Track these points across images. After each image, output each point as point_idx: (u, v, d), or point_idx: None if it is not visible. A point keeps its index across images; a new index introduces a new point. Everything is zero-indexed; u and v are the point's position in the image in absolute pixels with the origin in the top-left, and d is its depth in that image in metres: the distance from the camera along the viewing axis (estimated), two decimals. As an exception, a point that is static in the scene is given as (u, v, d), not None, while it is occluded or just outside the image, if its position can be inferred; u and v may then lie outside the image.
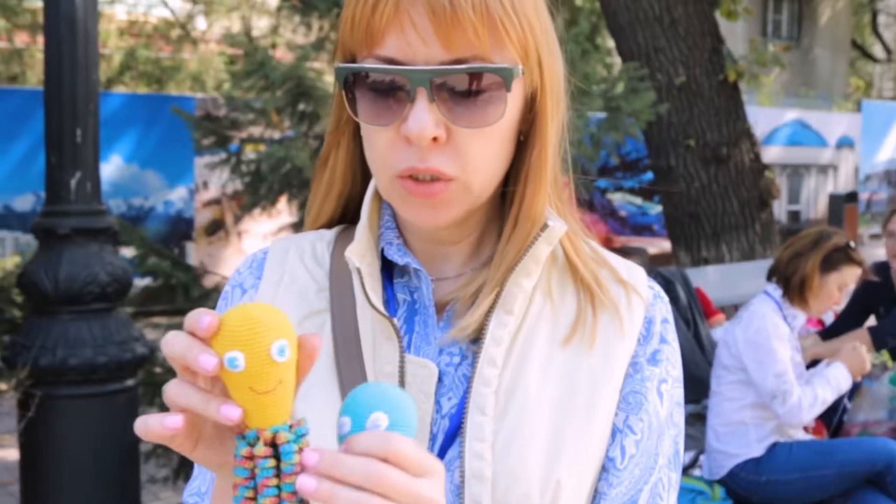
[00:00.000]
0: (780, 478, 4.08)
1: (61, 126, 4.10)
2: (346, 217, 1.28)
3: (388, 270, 1.19)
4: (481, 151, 1.07)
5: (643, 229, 13.67)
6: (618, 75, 5.97)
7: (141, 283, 5.48)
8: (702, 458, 4.51)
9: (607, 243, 13.32)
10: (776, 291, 4.19)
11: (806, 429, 4.43)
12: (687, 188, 7.04)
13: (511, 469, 1.08)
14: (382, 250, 1.18)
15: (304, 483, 0.81)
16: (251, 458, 0.84)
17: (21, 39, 12.33)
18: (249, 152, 5.31)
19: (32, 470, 4.18)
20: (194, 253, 11.13)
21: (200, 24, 14.31)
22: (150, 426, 0.85)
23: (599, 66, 7.98)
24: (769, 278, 4.28)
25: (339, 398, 1.10)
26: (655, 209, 12.79)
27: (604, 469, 1.13)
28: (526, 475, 1.07)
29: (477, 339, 1.13)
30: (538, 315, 1.15)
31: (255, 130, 5.29)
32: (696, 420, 4.70)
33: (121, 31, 14.45)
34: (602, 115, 5.85)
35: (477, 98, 1.04)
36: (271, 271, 1.23)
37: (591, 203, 13.10)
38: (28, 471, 4.20)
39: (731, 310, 5.37)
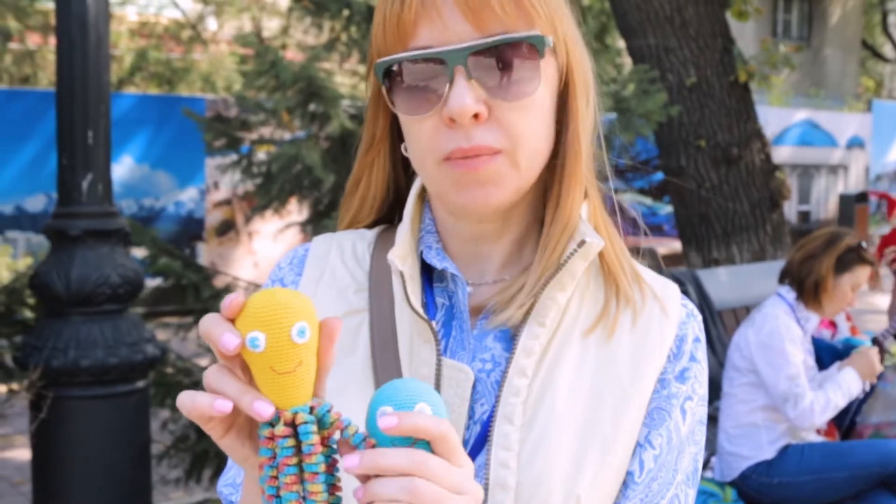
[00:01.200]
0: (792, 480, 4.07)
1: (73, 128, 4.11)
2: (381, 220, 1.30)
3: (428, 274, 1.21)
4: (524, 124, 1.09)
5: (653, 230, 13.58)
6: (628, 76, 5.96)
7: (152, 283, 5.49)
8: (713, 459, 4.49)
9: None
10: (789, 294, 4.17)
11: (818, 431, 4.41)
12: (697, 189, 7.02)
13: (535, 479, 1.08)
14: (421, 253, 1.20)
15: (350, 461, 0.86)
16: (272, 438, 0.86)
17: (33, 41, 12.37)
18: (260, 153, 5.31)
19: (44, 470, 4.19)
20: (205, 253, 11.15)
21: (211, 24, 14.33)
22: (197, 403, 0.87)
23: (609, 66, 7.97)
24: (781, 280, 4.27)
25: None
26: (665, 209, 12.77)
27: (623, 482, 1.14)
28: (549, 486, 1.08)
29: (509, 347, 1.14)
30: (574, 320, 1.17)
31: (266, 131, 5.29)
32: (708, 422, 4.68)
33: (132, 33, 14.47)
34: (612, 115, 5.84)
35: (513, 70, 1.07)
36: (312, 268, 1.25)
37: (618, 208, 13.06)
38: (40, 471, 4.21)
39: (742, 311, 5.35)
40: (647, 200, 13.73)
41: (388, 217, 1.29)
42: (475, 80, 1.06)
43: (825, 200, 17.69)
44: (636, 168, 12.88)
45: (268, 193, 5.17)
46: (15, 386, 4.14)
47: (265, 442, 0.87)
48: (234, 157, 5.45)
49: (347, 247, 1.26)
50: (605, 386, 1.14)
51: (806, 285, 4.11)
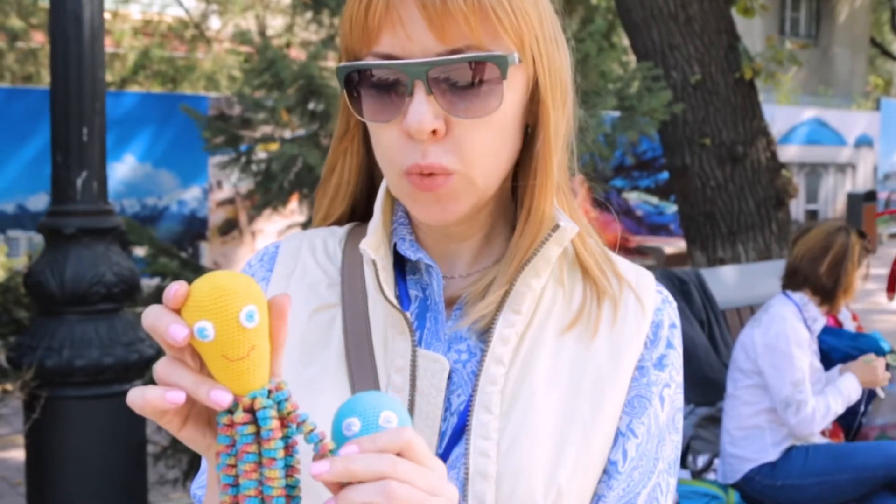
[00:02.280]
0: (796, 482, 4.02)
1: (68, 125, 4.07)
2: (354, 216, 1.29)
3: (401, 267, 1.20)
4: (482, 142, 1.07)
5: (659, 229, 13.60)
6: (632, 74, 5.91)
7: (154, 283, 5.46)
8: (716, 461, 4.44)
9: (623, 243, 13.30)
10: (795, 294, 4.12)
11: (823, 432, 4.36)
12: (702, 187, 6.97)
13: (515, 467, 1.08)
14: (395, 246, 1.19)
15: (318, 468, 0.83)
16: (231, 425, 0.84)
17: (36, 39, 12.36)
18: (262, 152, 5.27)
19: (38, 471, 4.15)
20: (208, 253, 11.12)
21: (215, 23, 14.32)
22: (148, 397, 0.84)
23: (615, 65, 7.93)
24: (789, 287, 4.18)
25: (349, 390, 1.11)
26: (671, 209, 12.72)
27: (605, 471, 1.13)
28: (530, 474, 1.08)
29: (485, 337, 1.13)
30: (549, 309, 1.16)
31: (268, 130, 5.26)
32: (710, 423, 4.63)
33: (135, 31, 14.47)
34: (616, 114, 5.80)
35: (474, 88, 1.05)
36: (283, 265, 1.24)
37: (606, 202, 13.04)
38: (34, 472, 4.18)
39: (747, 311, 5.30)
40: (654, 199, 13.68)
41: (362, 209, 1.28)
42: (435, 95, 1.04)
43: (833, 199, 17.63)
44: (642, 166, 12.85)
45: (268, 192, 5.14)
46: (8, 386, 4.09)
47: (224, 429, 0.85)
48: (233, 154, 5.42)
49: (318, 243, 1.25)
50: (583, 373, 1.13)
51: (836, 294, 4.07)
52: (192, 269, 5.27)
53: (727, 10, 7.10)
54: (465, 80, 1.05)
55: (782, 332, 3.99)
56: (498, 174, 1.11)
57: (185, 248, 10.80)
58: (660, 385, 1.17)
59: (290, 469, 0.86)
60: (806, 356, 4.00)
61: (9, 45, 12.06)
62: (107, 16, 13.75)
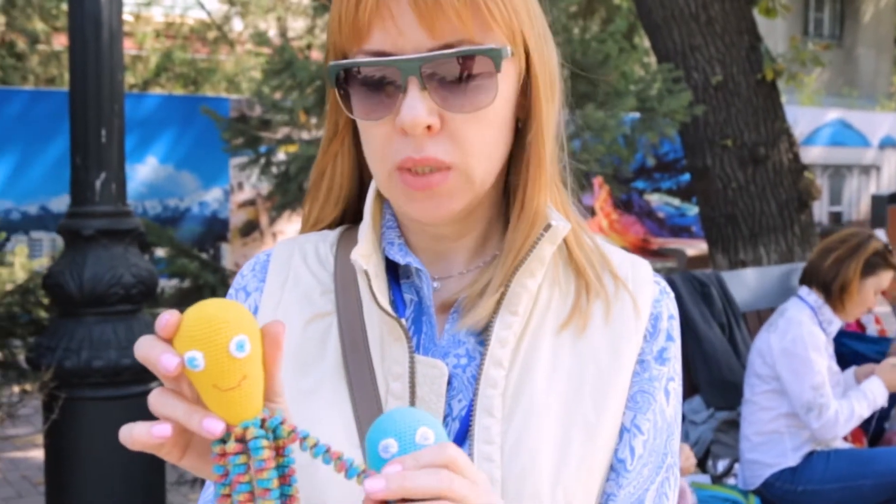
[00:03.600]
0: (817, 488, 3.98)
1: (86, 127, 4.08)
2: (345, 218, 1.28)
3: (394, 271, 1.19)
4: (478, 137, 1.06)
5: (681, 231, 13.54)
6: (652, 76, 5.88)
7: (176, 284, 5.47)
8: (736, 466, 4.41)
9: (644, 244, 13.25)
10: (810, 296, 4.08)
11: (845, 437, 4.31)
12: (723, 189, 6.92)
13: (520, 471, 1.07)
14: (384, 250, 1.17)
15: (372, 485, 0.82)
16: (224, 455, 0.84)
17: (59, 42, 12.43)
18: (281, 153, 5.28)
19: (57, 471, 4.16)
20: (229, 254, 11.14)
21: (237, 25, 14.35)
22: (135, 435, 0.84)
23: (637, 66, 7.90)
24: (802, 282, 4.18)
25: (348, 399, 1.10)
26: (694, 210, 12.66)
27: (613, 470, 1.13)
28: (535, 476, 1.07)
29: (483, 340, 1.12)
30: (545, 309, 1.15)
31: (288, 131, 5.26)
32: (731, 427, 4.60)
33: (157, 33, 14.53)
34: (636, 115, 5.77)
35: (468, 83, 1.05)
36: (275, 274, 1.22)
37: (628, 204, 13.00)
38: (53, 472, 4.19)
39: (768, 313, 5.26)
40: (676, 201, 13.62)
41: (354, 212, 1.26)
42: (429, 91, 1.03)
43: (857, 201, 17.49)
44: (664, 168, 12.80)
45: (286, 193, 5.14)
46: (28, 386, 4.11)
47: (217, 459, 0.84)
48: (252, 156, 5.43)
49: (310, 249, 1.24)
50: (583, 371, 1.12)
51: (833, 288, 4.03)
52: (212, 271, 5.28)
53: (749, 10, 7.05)
54: (458, 75, 1.04)
55: (799, 336, 3.96)
56: (493, 169, 1.11)
57: (206, 249, 10.83)
58: (663, 379, 1.16)
59: (287, 499, 0.86)
60: (824, 359, 3.96)
61: (31, 47, 12.14)
62: (129, 18, 13.83)
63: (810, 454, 4.05)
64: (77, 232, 4.09)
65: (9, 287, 4.31)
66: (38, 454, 6.06)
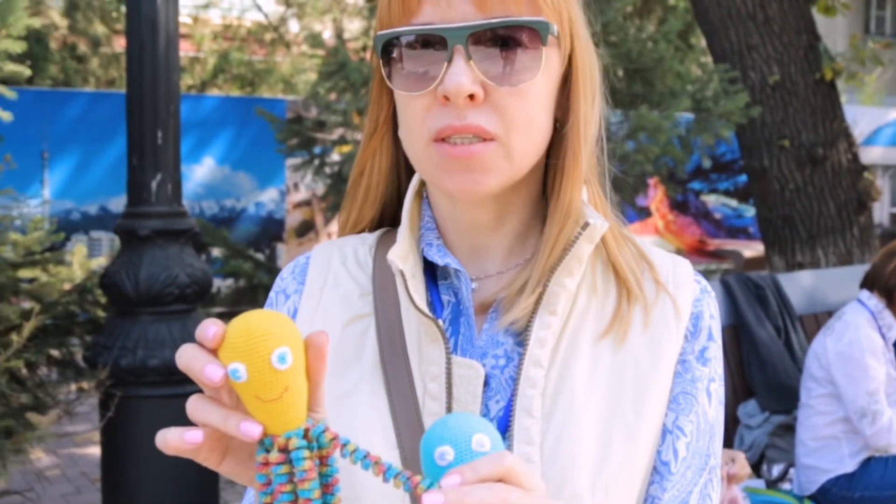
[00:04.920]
0: (875, 494, 3.92)
1: (142, 128, 4.13)
2: (383, 221, 1.28)
3: (432, 272, 1.19)
4: (520, 111, 1.06)
5: (738, 232, 13.40)
6: (708, 76, 5.83)
7: (233, 284, 5.52)
8: (792, 471, 4.35)
9: (701, 246, 13.13)
10: (870, 300, 4.01)
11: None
12: (781, 190, 6.83)
13: (560, 471, 1.06)
14: (423, 251, 1.17)
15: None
16: (266, 463, 0.85)
17: (119, 44, 12.60)
18: (336, 154, 5.31)
19: (113, 468, 4.22)
20: (285, 254, 11.22)
21: (293, 27, 14.44)
22: (169, 440, 0.85)
23: (693, 66, 7.82)
24: (863, 285, 4.11)
25: (386, 400, 1.10)
26: (751, 211, 12.52)
27: (656, 472, 1.12)
28: (575, 476, 1.06)
29: (521, 340, 1.11)
30: (584, 313, 1.14)
31: (342, 132, 5.29)
32: (786, 431, 4.53)
33: (215, 35, 14.68)
34: (691, 116, 5.72)
35: (513, 55, 1.05)
36: (314, 276, 1.23)
37: (684, 205, 12.89)
38: (109, 469, 4.25)
39: (825, 317, 5.18)
40: (733, 202, 13.48)
41: (391, 215, 1.27)
42: (474, 61, 1.03)
43: (919, 202, 17.18)
44: (721, 169, 12.66)
45: (340, 194, 5.17)
46: (85, 384, 4.17)
47: (260, 468, 0.85)
48: (307, 157, 5.46)
49: (349, 252, 1.24)
50: (623, 374, 1.11)
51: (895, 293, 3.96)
52: (266, 271, 5.33)
53: (807, 9, 6.96)
54: (504, 47, 1.04)
55: (855, 340, 3.89)
56: (531, 150, 1.10)
57: (262, 249, 10.92)
58: (705, 380, 1.15)
59: None
60: (881, 365, 3.89)
61: (93, 50, 12.32)
62: (187, 20, 13.99)
63: (868, 460, 3.98)
64: (133, 232, 4.14)
65: (67, 286, 4.37)
66: (96, 451, 6.16)
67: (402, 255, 1.12)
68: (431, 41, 1.04)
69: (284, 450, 0.84)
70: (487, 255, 1.18)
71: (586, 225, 1.10)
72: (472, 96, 1.03)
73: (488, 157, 1.05)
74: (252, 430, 0.83)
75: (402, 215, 1.17)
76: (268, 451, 0.85)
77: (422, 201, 1.21)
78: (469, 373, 1.09)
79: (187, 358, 0.83)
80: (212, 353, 0.83)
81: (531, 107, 1.07)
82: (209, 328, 0.82)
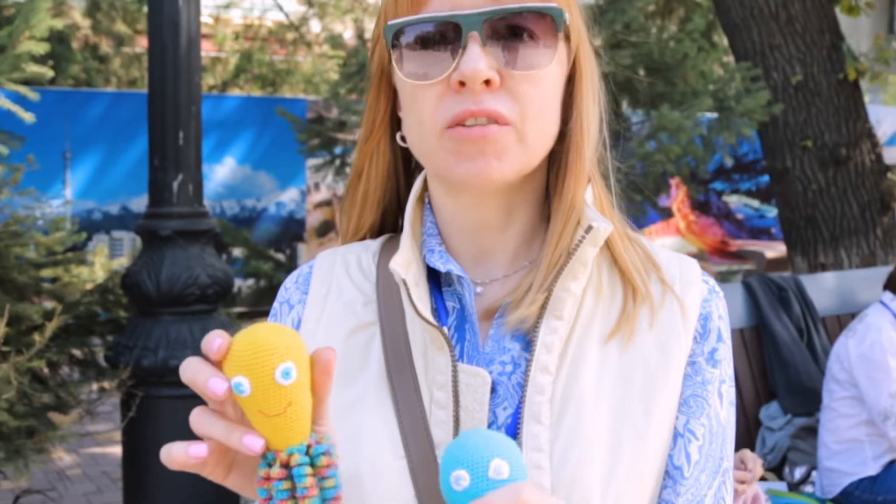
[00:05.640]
0: (898, 497, 3.89)
1: (164, 129, 4.15)
2: (384, 227, 1.27)
3: (436, 278, 1.18)
4: (535, 97, 1.06)
5: (760, 232, 13.34)
6: (730, 74, 5.80)
7: (253, 284, 5.54)
8: (814, 474, 4.32)
9: (723, 246, 13.07)
10: (893, 301, 3.98)
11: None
12: (803, 191, 6.79)
13: (570, 477, 1.05)
14: (425, 258, 1.16)
15: None
16: (269, 479, 0.84)
17: (141, 44, 12.65)
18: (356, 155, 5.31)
19: (135, 467, 4.24)
20: (305, 254, 11.25)
21: (314, 27, 14.45)
22: (174, 455, 0.85)
23: (716, 65, 7.78)
24: (887, 287, 4.08)
25: (392, 410, 1.09)
26: (773, 212, 12.45)
27: (669, 477, 1.11)
28: (585, 483, 1.05)
29: (528, 346, 1.10)
30: (591, 315, 1.13)
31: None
32: (809, 434, 4.50)
33: (236, 35, 14.72)
34: (713, 115, 5.69)
35: (528, 43, 1.05)
36: (317, 285, 1.21)
37: (706, 205, 12.84)
38: (130, 468, 4.26)
39: (848, 318, 5.14)
40: (755, 202, 13.41)
41: (392, 220, 1.27)
42: (489, 47, 1.03)
43: (944, 203, 17.06)
44: (743, 169, 12.59)
45: (360, 194, 5.17)
46: (107, 384, 4.19)
47: (261, 482, 0.85)
48: (328, 157, 5.47)
49: (352, 260, 1.23)
50: (632, 376, 1.10)
51: None
52: (286, 271, 5.33)
53: (831, 8, 6.91)
54: (519, 33, 1.04)
55: (877, 342, 3.86)
56: (544, 138, 1.09)
57: (283, 249, 10.95)
58: (716, 382, 1.14)
59: None
60: (903, 366, 3.86)
61: (115, 50, 12.38)
62: (209, 20, 14.02)
63: (891, 463, 3.95)
64: (154, 232, 4.16)
65: (89, 286, 4.39)
66: (117, 450, 6.19)
67: (405, 263, 1.11)
68: (443, 30, 1.04)
69: (286, 465, 0.84)
70: (492, 259, 1.17)
71: (590, 228, 1.09)
72: (487, 82, 1.03)
73: (503, 140, 1.05)
74: (254, 444, 0.82)
75: (405, 221, 1.16)
76: (270, 465, 0.84)
77: (423, 207, 1.20)
78: (475, 380, 1.08)
79: (192, 371, 0.83)
80: (217, 364, 0.83)
81: (545, 94, 1.07)
82: (214, 340, 0.81)
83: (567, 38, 1.11)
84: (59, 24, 3.82)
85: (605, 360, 1.11)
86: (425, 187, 1.20)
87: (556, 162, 1.14)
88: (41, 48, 3.66)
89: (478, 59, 1.01)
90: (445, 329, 1.09)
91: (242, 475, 0.90)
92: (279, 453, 0.84)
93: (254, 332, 0.81)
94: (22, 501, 4.39)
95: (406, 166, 1.25)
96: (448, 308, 1.16)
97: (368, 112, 1.19)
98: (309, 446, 0.85)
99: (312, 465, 0.84)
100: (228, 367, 0.81)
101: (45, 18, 3.62)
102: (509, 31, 1.04)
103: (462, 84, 1.03)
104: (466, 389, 1.08)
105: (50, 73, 3.80)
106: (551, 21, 1.05)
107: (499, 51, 1.04)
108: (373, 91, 1.18)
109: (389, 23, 1.07)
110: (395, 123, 1.19)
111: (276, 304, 1.25)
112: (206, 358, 0.84)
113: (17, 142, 3.93)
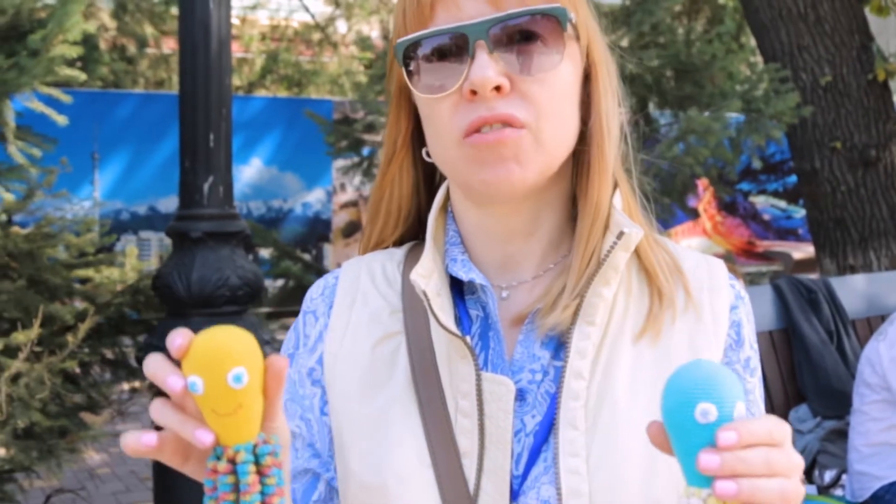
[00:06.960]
0: (930, 502, 3.86)
1: (195, 131, 4.17)
2: (404, 238, 1.29)
3: (460, 287, 1.19)
4: (548, 98, 1.07)
5: (787, 233, 13.25)
6: (759, 76, 5.77)
7: (279, 284, 5.56)
8: (844, 477, 4.29)
9: (750, 247, 13.00)
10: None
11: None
12: (832, 192, 6.75)
13: (608, 482, 1.06)
14: (447, 267, 1.18)
15: (725, 488, 0.80)
16: (215, 471, 0.89)
17: (168, 46, 12.71)
18: (383, 156, 5.32)
19: (164, 468, 4.25)
20: (332, 254, 11.27)
21: (341, 27, 14.48)
22: (127, 442, 0.89)
23: (744, 66, 7.75)
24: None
25: (419, 419, 1.11)
26: (800, 212, 12.38)
27: None
28: (623, 487, 1.05)
29: (558, 354, 1.12)
30: (622, 318, 1.14)
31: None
32: (838, 437, 4.48)
33: (263, 36, 14.76)
34: (741, 117, 5.66)
35: (535, 46, 1.06)
36: (343, 296, 1.23)
37: (732, 206, 12.78)
38: (160, 468, 4.29)
39: (878, 321, 5.11)
40: (782, 203, 13.33)
41: (412, 234, 1.28)
42: (497, 54, 1.05)
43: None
44: (770, 170, 12.53)
45: (387, 195, 5.19)
46: (137, 385, 4.22)
47: (209, 474, 0.89)
48: (355, 158, 5.48)
49: (377, 269, 1.24)
50: (666, 363, 1.11)
51: None
52: (315, 272, 5.36)
53: (860, 9, 6.87)
54: (525, 38, 1.06)
55: (909, 344, 3.84)
56: (563, 138, 1.10)
57: (309, 249, 10.97)
58: (756, 392, 1.16)
59: None
60: (936, 370, 3.84)
61: (141, 51, 12.45)
62: (236, 21, 14.08)
63: (922, 467, 3.92)
64: (185, 234, 4.18)
65: (119, 287, 4.42)
66: (147, 449, 6.27)
67: (426, 274, 1.12)
68: (452, 42, 1.06)
69: (233, 461, 0.88)
70: (519, 264, 1.18)
71: (621, 234, 1.10)
72: (498, 88, 1.04)
73: (520, 143, 1.06)
74: (205, 438, 0.86)
75: (427, 232, 1.17)
76: (218, 459, 0.88)
77: (446, 216, 1.21)
78: (499, 389, 1.09)
79: (153, 367, 0.87)
80: (178, 362, 0.86)
81: (557, 95, 1.08)
82: (176, 339, 0.84)
83: (576, 37, 1.12)
84: (91, 27, 3.85)
85: (638, 359, 1.12)
86: (447, 197, 1.22)
87: (580, 163, 1.15)
88: (74, 52, 3.69)
89: (486, 66, 1.03)
90: (468, 338, 1.11)
91: (199, 463, 0.93)
92: (227, 449, 0.88)
93: (212, 335, 0.85)
94: (52, 500, 4.43)
95: (429, 182, 1.27)
96: (472, 316, 1.17)
97: (390, 133, 1.21)
98: (256, 445, 0.89)
99: (257, 463, 0.88)
100: (187, 366, 0.85)
101: (79, 22, 3.65)
102: (516, 36, 1.05)
103: (474, 93, 1.05)
104: (491, 398, 1.09)
105: (83, 76, 3.83)
106: (556, 22, 1.06)
107: (508, 56, 1.05)
108: (393, 110, 1.19)
109: (399, 41, 1.09)
110: (420, 139, 1.21)
111: (300, 315, 1.26)
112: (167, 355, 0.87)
113: (51, 144, 3.97)
